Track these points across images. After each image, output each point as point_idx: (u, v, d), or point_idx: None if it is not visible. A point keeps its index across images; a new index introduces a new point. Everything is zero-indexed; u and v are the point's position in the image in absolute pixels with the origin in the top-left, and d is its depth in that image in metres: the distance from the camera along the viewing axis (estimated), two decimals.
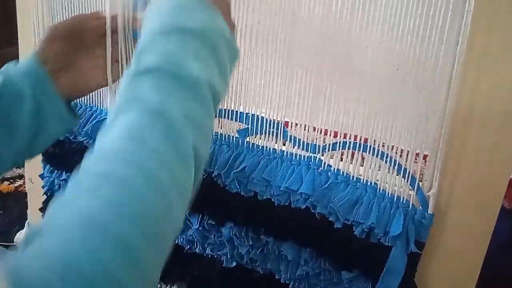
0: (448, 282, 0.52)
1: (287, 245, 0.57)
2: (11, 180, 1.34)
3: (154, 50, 0.33)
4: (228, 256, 0.62)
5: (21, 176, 1.35)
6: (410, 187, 0.49)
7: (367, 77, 0.48)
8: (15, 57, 0.66)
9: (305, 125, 0.54)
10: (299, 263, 0.57)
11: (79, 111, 0.69)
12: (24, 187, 1.30)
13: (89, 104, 0.69)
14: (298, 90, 0.52)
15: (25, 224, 0.89)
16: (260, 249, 0.59)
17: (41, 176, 0.78)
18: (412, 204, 0.50)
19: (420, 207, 0.49)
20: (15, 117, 0.46)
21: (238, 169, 0.56)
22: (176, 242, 0.66)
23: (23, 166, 1.37)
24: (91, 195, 0.26)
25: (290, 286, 0.58)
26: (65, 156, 0.71)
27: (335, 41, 0.48)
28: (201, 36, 0.34)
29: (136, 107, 0.30)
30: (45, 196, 0.79)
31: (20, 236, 0.88)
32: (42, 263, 0.23)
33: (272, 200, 0.56)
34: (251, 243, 0.59)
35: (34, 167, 0.83)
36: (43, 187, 0.78)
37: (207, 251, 0.64)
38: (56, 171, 0.74)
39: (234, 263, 0.62)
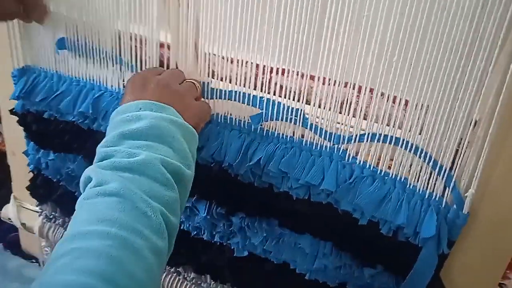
0: (474, 277, 0.50)
1: (304, 238, 0.54)
2: None
3: (113, 154, 0.40)
4: (240, 246, 0.58)
5: None
6: (445, 184, 0.45)
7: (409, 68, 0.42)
8: None
9: (335, 81, 0.46)
10: (317, 255, 0.54)
11: (63, 85, 0.61)
12: (2, 145, 1.22)
13: (75, 77, 0.61)
14: (328, 45, 0.44)
15: (11, 198, 0.83)
16: (274, 241, 0.56)
17: (25, 153, 0.71)
18: (446, 201, 0.46)
19: (454, 206, 0.46)
20: None
21: (251, 162, 0.51)
22: (182, 228, 0.62)
23: None
24: (76, 267, 0.31)
25: (306, 277, 0.56)
26: (52, 136, 0.64)
27: None
28: (148, 132, 0.41)
29: (101, 193, 0.36)
30: (31, 174, 0.73)
31: (6, 211, 0.82)
32: None
33: (290, 193, 0.51)
34: (264, 234, 0.56)
35: (15, 140, 0.76)
36: (28, 164, 0.71)
37: (215, 238, 0.60)
38: (42, 150, 0.67)
39: (246, 252, 0.58)
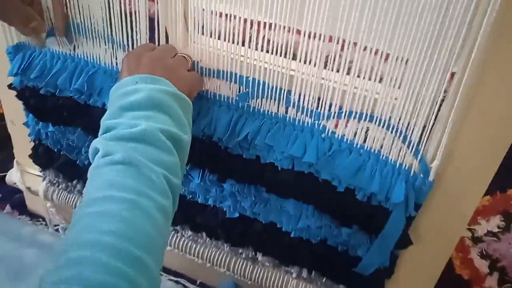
0: (438, 233, 0.57)
1: (289, 202, 0.60)
2: None
3: (115, 126, 0.43)
4: (231, 208, 0.64)
5: None
6: (413, 156, 0.51)
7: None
8: None
9: (320, 35, 0.47)
10: (300, 217, 0.61)
11: (57, 62, 0.64)
12: None
13: (69, 54, 0.63)
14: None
15: (14, 163, 0.88)
16: (262, 204, 0.62)
17: (26, 124, 0.75)
18: (414, 171, 0.52)
19: (421, 174, 0.51)
20: None
21: (240, 137, 0.55)
22: None
23: None
24: (95, 228, 0.35)
25: (291, 235, 0.62)
26: (50, 111, 0.67)
27: None
28: (145, 103, 0.44)
29: (108, 162, 0.40)
30: (32, 143, 0.77)
31: (10, 176, 0.87)
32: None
33: (275, 164, 0.56)
34: (253, 198, 0.61)
35: (13, 109, 0.79)
36: (29, 135, 0.75)
37: (209, 201, 0.66)
38: (41, 123, 0.71)
39: (237, 214, 0.64)
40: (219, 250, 0.72)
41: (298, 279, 0.69)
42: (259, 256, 0.69)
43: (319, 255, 0.63)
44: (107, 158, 0.40)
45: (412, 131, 0.49)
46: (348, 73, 0.49)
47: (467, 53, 0.43)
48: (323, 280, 0.67)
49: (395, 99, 0.49)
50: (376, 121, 0.51)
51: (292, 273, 0.69)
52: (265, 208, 0.62)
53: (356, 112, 0.51)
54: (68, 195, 0.80)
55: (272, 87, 0.53)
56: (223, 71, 0.55)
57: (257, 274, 0.70)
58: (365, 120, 0.51)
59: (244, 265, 0.71)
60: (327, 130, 0.54)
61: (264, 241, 0.66)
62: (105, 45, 0.60)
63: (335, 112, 0.52)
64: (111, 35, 0.59)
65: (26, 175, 0.87)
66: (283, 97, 0.53)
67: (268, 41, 0.51)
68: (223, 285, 0.85)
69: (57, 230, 0.91)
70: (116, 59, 0.61)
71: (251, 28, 0.51)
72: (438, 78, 0.45)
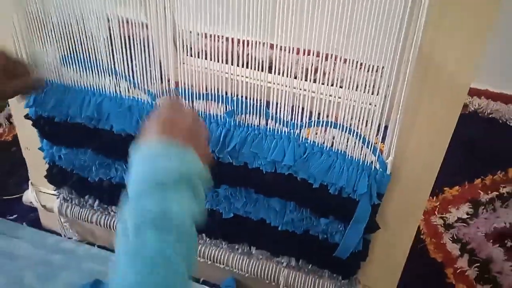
0: (401, 215, 0.67)
1: (274, 200, 0.70)
2: None
3: (145, 207, 0.40)
4: (226, 210, 0.74)
5: None
6: (372, 154, 0.61)
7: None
8: None
9: (289, 47, 0.56)
10: (285, 212, 0.71)
11: (68, 93, 0.74)
12: (6, 135, 1.35)
13: (78, 85, 0.74)
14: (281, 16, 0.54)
15: (29, 184, 0.97)
16: (252, 204, 0.72)
17: (41, 149, 0.84)
18: (374, 166, 0.62)
19: (380, 169, 0.62)
20: None
21: (229, 148, 0.66)
22: None
23: None
24: None
25: (279, 228, 0.73)
26: (63, 135, 0.77)
27: None
28: (178, 181, 0.41)
29: (140, 253, 0.38)
30: (44, 163, 0.87)
31: (26, 196, 0.97)
32: None
33: (260, 168, 0.67)
34: (244, 199, 0.72)
35: (28, 136, 0.89)
36: (44, 158, 0.85)
37: (206, 205, 0.76)
38: (55, 147, 0.81)
39: (232, 214, 0.75)
40: (218, 248, 0.82)
41: (289, 268, 0.79)
42: (253, 250, 0.80)
43: (304, 244, 0.73)
44: (139, 244, 0.38)
45: (369, 133, 0.60)
46: (314, 82, 0.59)
47: (407, 63, 0.53)
48: (310, 267, 0.77)
49: (354, 101, 0.59)
50: (339, 127, 0.61)
51: (283, 263, 0.79)
52: (255, 207, 0.72)
53: (323, 121, 0.62)
54: (81, 209, 0.90)
55: (253, 104, 0.64)
56: (211, 94, 0.65)
57: (253, 267, 0.80)
58: (331, 127, 0.62)
59: (241, 259, 0.81)
60: (301, 137, 0.64)
61: (256, 236, 0.76)
62: (109, 76, 0.71)
63: (306, 122, 0.63)
64: (114, 67, 0.69)
65: (40, 194, 0.97)
66: (263, 111, 0.64)
67: (248, 56, 0.61)
68: (224, 283, 0.94)
69: None
70: (119, 87, 0.71)
71: (232, 45, 0.61)
72: (384, 86, 0.56)
